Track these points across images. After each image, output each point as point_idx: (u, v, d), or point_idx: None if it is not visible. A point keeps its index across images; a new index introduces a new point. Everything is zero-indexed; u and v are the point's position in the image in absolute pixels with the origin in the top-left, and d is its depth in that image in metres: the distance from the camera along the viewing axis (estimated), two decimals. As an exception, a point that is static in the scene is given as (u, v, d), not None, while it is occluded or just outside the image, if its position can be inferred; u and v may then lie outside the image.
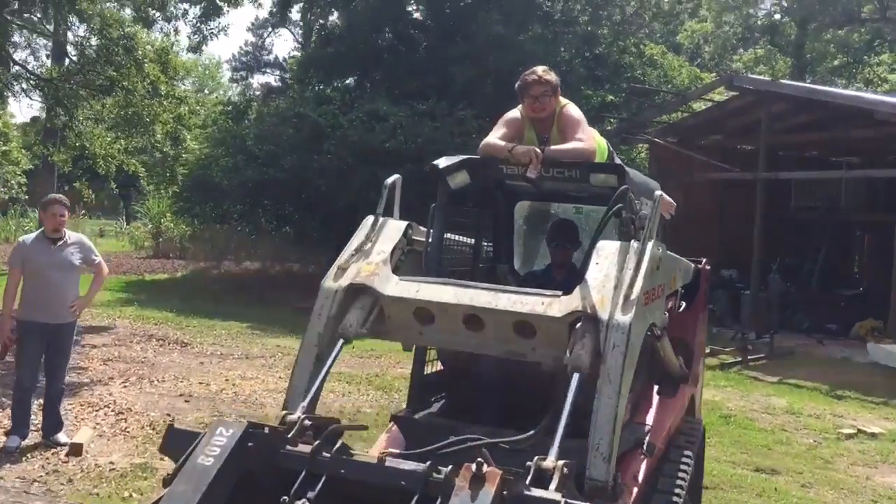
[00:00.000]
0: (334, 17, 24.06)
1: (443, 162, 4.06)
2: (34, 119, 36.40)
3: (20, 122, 37.88)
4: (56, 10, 13.82)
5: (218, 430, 2.69)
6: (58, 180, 29.10)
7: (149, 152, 18.76)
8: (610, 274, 3.25)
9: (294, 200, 19.24)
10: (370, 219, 3.78)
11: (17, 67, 15.72)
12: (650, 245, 3.30)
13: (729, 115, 17.26)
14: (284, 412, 3.00)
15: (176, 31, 16.15)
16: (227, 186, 18.60)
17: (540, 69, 4.30)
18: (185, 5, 15.45)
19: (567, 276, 4.58)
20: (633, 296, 3.14)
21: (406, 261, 3.87)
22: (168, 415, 7.63)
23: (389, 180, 3.82)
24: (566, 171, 3.91)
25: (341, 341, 3.36)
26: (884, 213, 17.39)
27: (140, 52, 14.13)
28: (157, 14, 14.91)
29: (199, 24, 15.87)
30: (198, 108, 18.72)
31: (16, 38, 16.46)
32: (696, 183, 17.20)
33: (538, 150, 3.82)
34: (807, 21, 30.74)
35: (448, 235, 4.41)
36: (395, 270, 3.64)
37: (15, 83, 15.07)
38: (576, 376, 3.01)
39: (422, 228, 4.08)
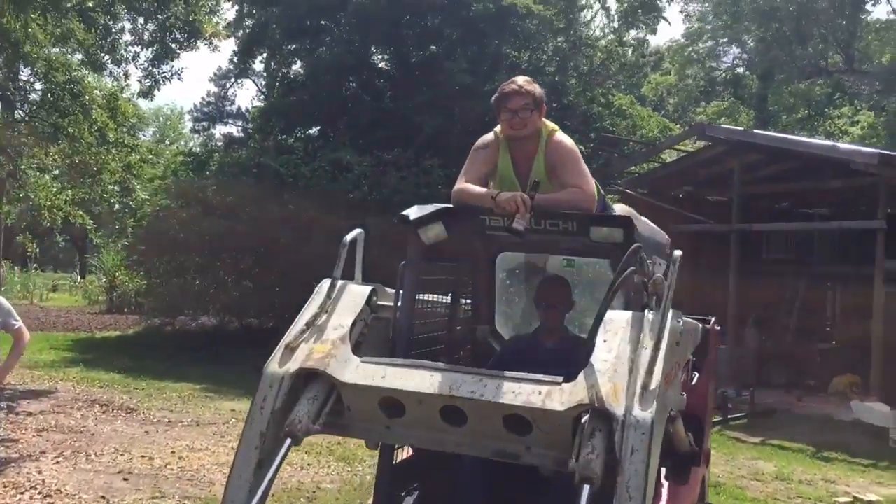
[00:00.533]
0: (297, 66, 23.61)
1: (414, 212, 3.43)
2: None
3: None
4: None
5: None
6: (4, 233, 27.99)
7: (98, 203, 17.86)
8: (622, 356, 2.63)
9: (254, 253, 18.50)
10: (326, 284, 3.14)
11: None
12: (670, 316, 2.69)
13: (700, 166, 16.98)
14: None
15: (126, 75, 15.39)
16: (183, 238, 17.81)
17: (521, 79, 3.72)
18: (137, 48, 14.80)
19: (560, 343, 3.96)
20: (654, 384, 2.53)
21: (371, 332, 3.23)
22: (102, 497, 6.81)
23: (349, 236, 3.19)
24: (561, 224, 3.31)
25: (289, 441, 2.69)
26: (856, 265, 17.12)
27: (87, 98, 13.37)
28: (107, 58, 14.18)
29: (150, 68, 15.14)
30: (150, 156, 17.94)
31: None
32: (668, 235, 16.79)
33: (526, 197, 3.22)
34: (769, 74, 31.02)
35: (420, 296, 3.78)
36: (357, 348, 2.99)
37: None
38: (586, 488, 2.37)
39: (389, 291, 3.45)
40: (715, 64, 38.44)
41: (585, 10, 24.77)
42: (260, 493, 2.57)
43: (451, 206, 3.50)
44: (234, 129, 44.28)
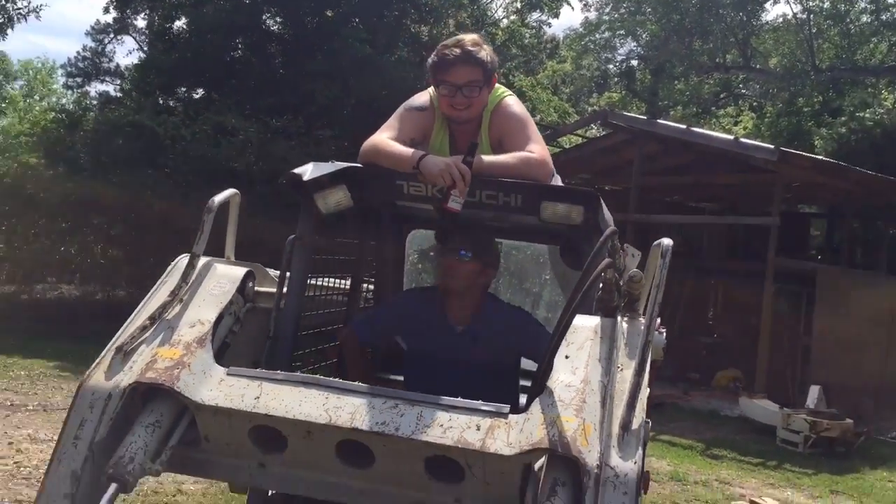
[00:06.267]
0: (181, 21, 21.94)
1: (310, 171, 2.61)
2: None
3: None
4: None
5: None
6: None
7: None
8: (592, 379, 1.94)
9: (125, 220, 17.03)
10: (182, 261, 2.31)
11: None
12: (655, 325, 2.02)
13: (599, 154, 16.70)
14: None
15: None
16: (45, 199, 16.21)
17: (469, 40, 2.84)
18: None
19: (478, 326, 3.01)
20: (636, 422, 1.85)
21: (243, 330, 2.42)
22: (-89, 501, 5.67)
23: (218, 198, 2.37)
24: (502, 196, 2.57)
25: (113, 486, 1.87)
26: (742, 260, 17.34)
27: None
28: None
29: (3, 3, 12.82)
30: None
31: None
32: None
33: (464, 168, 2.47)
34: (662, 68, 31.42)
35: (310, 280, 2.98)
36: (222, 353, 2.18)
37: None
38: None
39: (272, 273, 2.65)
40: (610, 55, 38.79)
41: (488, -14, 24.14)
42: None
43: (357, 165, 2.71)
44: (111, 88, 41.55)
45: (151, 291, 2.23)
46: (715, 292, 21.79)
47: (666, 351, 2.34)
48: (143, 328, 2.11)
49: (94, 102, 31.16)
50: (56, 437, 6.48)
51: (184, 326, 2.12)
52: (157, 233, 16.39)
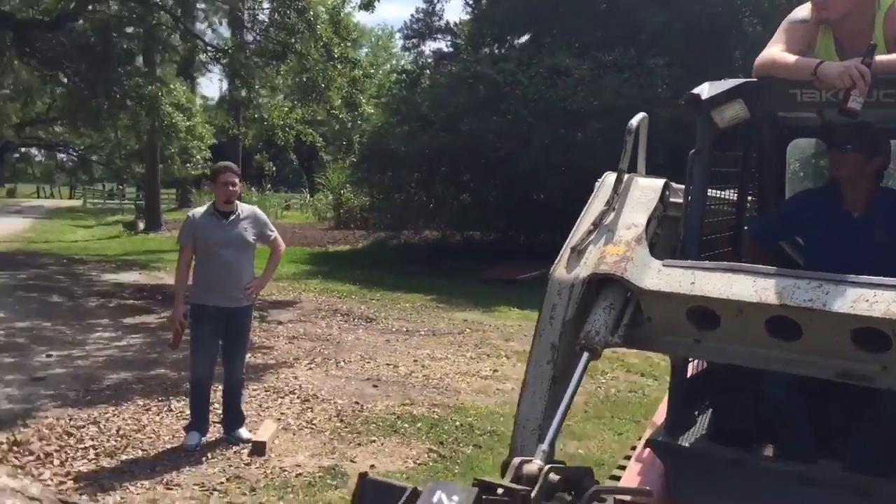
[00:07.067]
0: (507, -29, 22.80)
1: (707, 90, 2.92)
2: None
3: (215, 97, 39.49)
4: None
5: (435, 496, 1.79)
6: (242, 155, 29.91)
7: (326, 121, 18.41)
8: None
9: (471, 166, 18.47)
10: (610, 177, 2.76)
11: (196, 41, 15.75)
12: None
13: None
14: (518, 460, 2.06)
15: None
16: (403, 154, 18.08)
17: None
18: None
19: (874, 211, 3.09)
20: None
21: (662, 232, 2.83)
22: (357, 403, 7.01)
23: (634, 121, 2.76)
24: None
25: (585, 355, 2.38)
26: None
27: (311, 14, 13.58)
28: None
29: None
30: (371, 71, 18.15)
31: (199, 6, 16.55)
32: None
33: (864, 69, 2.60)
34: None
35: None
36: (650, 250, 2.61)
37: (195, 56, 14.99)
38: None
39: (676, 186, 3.01)
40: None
41: None
42: (560, 412, 2.29)
43: (750, 80, 2.94)
44: (442, 45, 44.17)
45: (588, 204, 2.72)
46: None
47: None
48: (589, 232, 2.60)
49: (430, 60, 33.56)
50: (447, 356, 7.59)
51: (622, 229, 2.58)
52: (502, 175, 17.55)
